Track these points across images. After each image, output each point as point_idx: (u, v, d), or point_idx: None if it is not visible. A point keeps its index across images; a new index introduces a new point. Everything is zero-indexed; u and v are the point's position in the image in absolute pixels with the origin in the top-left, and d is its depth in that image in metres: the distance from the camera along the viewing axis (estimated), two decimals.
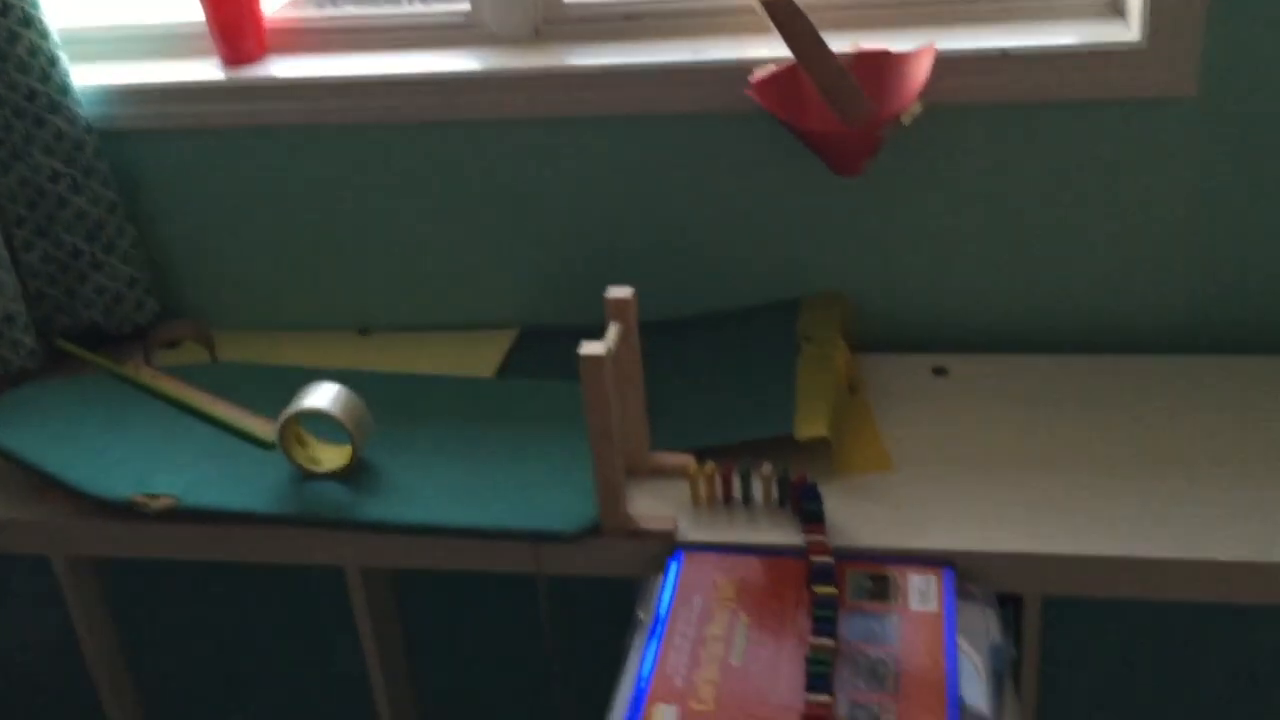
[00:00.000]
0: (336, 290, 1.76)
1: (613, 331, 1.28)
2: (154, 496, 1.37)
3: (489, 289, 1.72)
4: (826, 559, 1.21)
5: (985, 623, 1.17)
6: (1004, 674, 1.15)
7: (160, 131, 1.67)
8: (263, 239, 1.74)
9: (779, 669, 1.12)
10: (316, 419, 1.40)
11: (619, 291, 1.31)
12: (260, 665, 1.52)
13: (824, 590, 1.18)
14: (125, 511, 1.37)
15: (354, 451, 1.40)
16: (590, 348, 1.21)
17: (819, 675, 1.08)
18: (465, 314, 1.74)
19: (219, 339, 1.73)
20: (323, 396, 1.39)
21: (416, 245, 1.70)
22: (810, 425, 1.36)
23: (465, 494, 1.36)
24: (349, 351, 1.71)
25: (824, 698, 1.06)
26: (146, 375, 1.61)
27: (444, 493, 1.37)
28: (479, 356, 1.66)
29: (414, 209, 1.68)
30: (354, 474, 1.40)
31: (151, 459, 1.45)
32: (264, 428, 1.49)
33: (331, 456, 1.42)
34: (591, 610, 1.38)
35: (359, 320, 1.78)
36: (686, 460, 1.37)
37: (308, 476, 1.40)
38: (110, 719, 1.59)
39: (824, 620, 1.14)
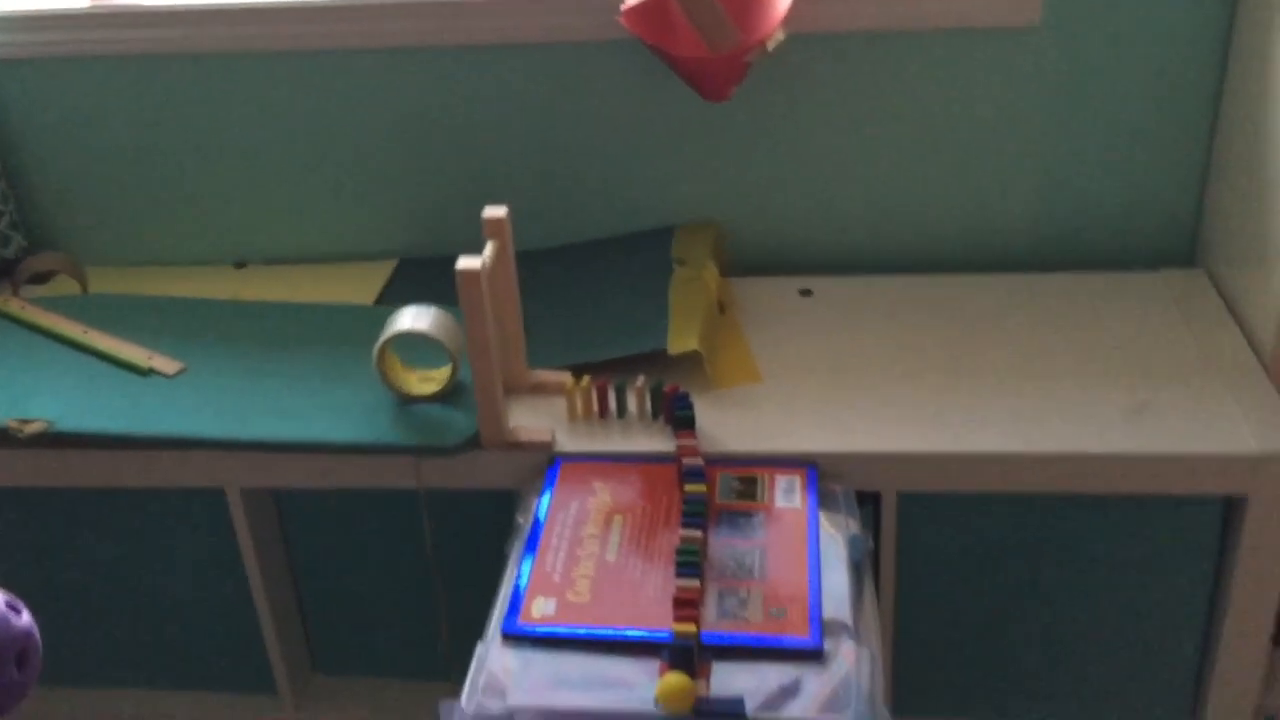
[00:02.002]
0: (211, 224, 1.75)
1: (489, 248, 1.31)
2: (26, 421, 1.36)
3: (366, 221, 1.73)
4: (697, 461, 1.27)
5: (845, 517, 1.24)
6: (863, 564, 1.22)
7: (24, 61, 1.64)
8: (133, 172, 1.72)
9: (652, 564, 1.17)
10: (406, 343, 1.38)
11: (494, 211, 1.34)
12: (142, 590, 1.52)
13: (694, 489, 1.23)
14: None
15: (453, 372, 1.38)
16: (467, 262, 1.25)
17: (688, 564, 1.14)
18: (342, 246, 1.74)
19: (91, 276, 1.70)
20: (420, 318, 1.36)
21: (291, 177, 1.70)
22: (682, 340, 1.42)
23: (346, 412, 1.38)
24: (225, 285, 1.70)
25: (693, 583, 1.12)
26: (15, 306, 1.59)
27: (324, 412, 1.38)
28: (357, 287, 1.67)
29: (287, 140, 1.68)
30: (451, 396, 1.40)
31: (22, 386, 1.43)
32: (139, 355, 1.48)
33: (427, 380, 1.41)
34: (473, 523, 1.42)
35: (234, 255, 1.77)
36: (563, 377, 1.42)
37: (406, 402, 1.39)
38: None
39: (694, 515, 1.20)
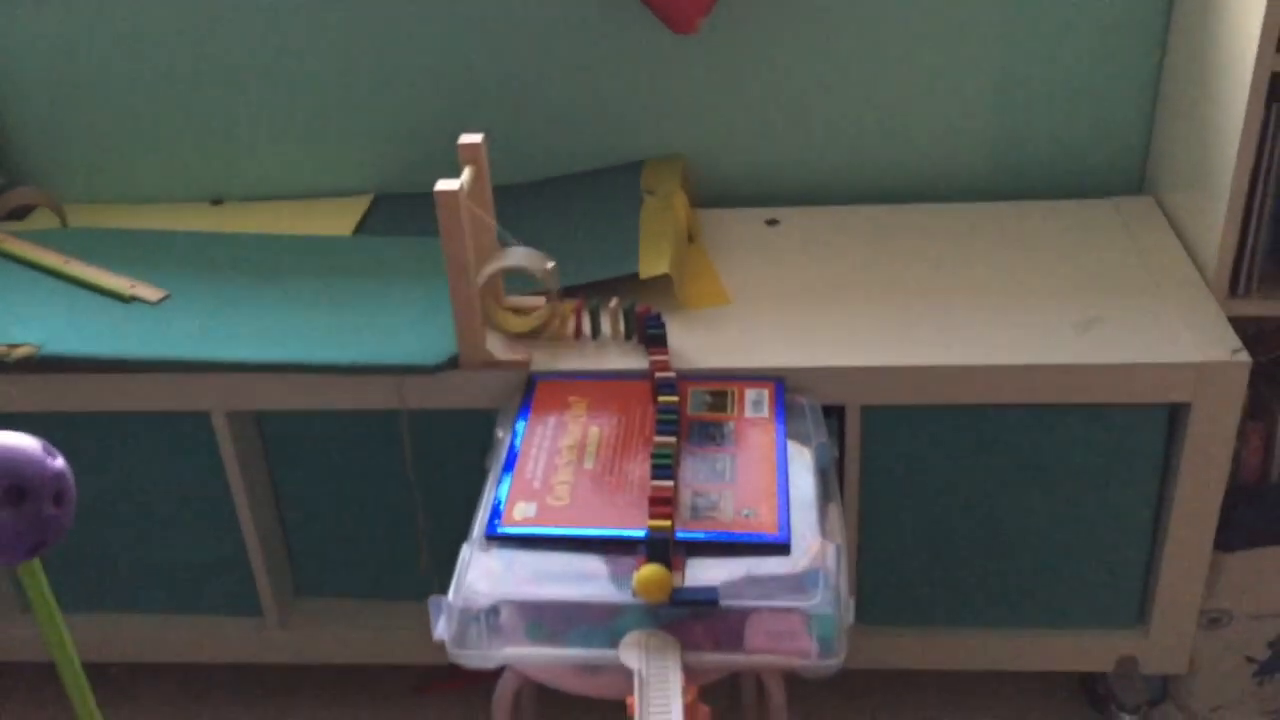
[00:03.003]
0: (187, 161, 1.77)
1: (466, 173, 1.35)
2: (13, 346, 1.39)
3: (342, 156, 1.76)
4: (669, 374, 1.32)
5: (811, 427, 1.30)
6: (829, 470, 1.28)
7: None
8: (109, 109, 1.74)
9: (628, 472, 1.23)
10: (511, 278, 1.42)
11: (470, 137, 1.38)
12: (128, 515, 1.56)
13: (667, 399, 1.29)
14: None
15: (550, 309, 1.42)
16: (446, 184, 1.29)
17: (663, 466, 1.19)
18: (318, 182, 1.78)
19: (69, 213, 1.73)
20: (520, 255, 1.39)
21: (266, 113, 1.73)
22: (653, 264, 1.47)
23: (328, 335, 1.42)
24: (202, 222, 1.73)
25: (667, 483, 1.17)
26: None
27: (307, 335, 1.42)
28: (334, 221, 1.71)
29: (263, 76, 1.70)
30: (542, 334, 1.43)
31: (7, 314, 1.46)
32: (122, 284, 1.51)
33: (524, 317, 1.45)
34: (453, 444, 1.46)
35: (211, 192, 1.80)
36: (538, 301, 1.46)
37: (507, 334, 1.43)
38: None
39: (668, 423, 1.25)
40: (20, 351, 1.38)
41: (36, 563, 0.57)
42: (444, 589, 1.14)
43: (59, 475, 0.55)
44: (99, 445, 1.50)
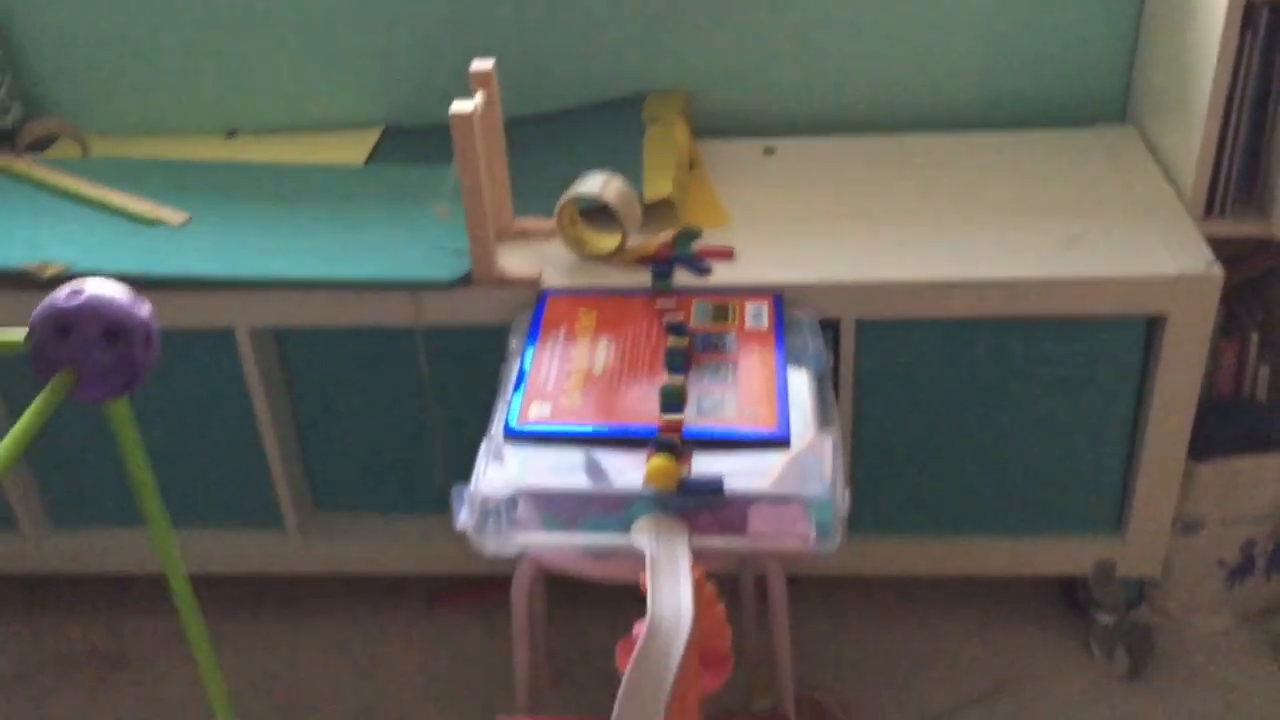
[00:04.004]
0: (200, 93, 1.83)
1: (479, 96, 1.41)
2: (45, 264, 1.45)
3: (352, 88, 1.82)
4: (677, 317, 1.38)
5: (808, 338, 1.38)
6: (825, 378, 1.35)
7: None
8: (126, 42, 1.79)
9: (637, 374, 1.30)
10: (588, 204, 1.47)
11: (481, 64, 1.44)
12: (153, 430, 1.62)
13: (674, 320, 1.36)
14: (17, 280, 1.45)
15: (623, 238, 1.47)
16: (460, 107, 1.35)
17: (672, 403, 1.26)
18: (329, 114, 1.84)
19: (88, 144, 1.78)
20: (596, 183, 1.45)
21: (278, 45, 1.79)
22: (656, 186, 1.53)
23: (346, 254, 1.49)
24: (218, 153, 1.79)
25: (678, 416, 1.24)
26: (22, 166, 1.67)
27: (326, 254, 1.49)
28: (346, 152, 1.77)
29: (274, 7, 1.76)
30: (621, 258, 1.48)
31: (37, 236, 1.52)
32: (145, 208, 1.57)
33: (602, 240, 1.50)
34: (467, 360, 1.53)
35: (224, 124, 1.86)
36: (547, 223, 1.53)
37: (583, 257, 1.49)
38: None
39: (677, 363, 1.31)
40: (51, 270, 1.44)
41: (125, 401, 0.63)
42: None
43: (147, 321, 0.61)
44: None
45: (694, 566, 1.12)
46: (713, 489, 1.16)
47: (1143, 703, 1.57)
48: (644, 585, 1.11)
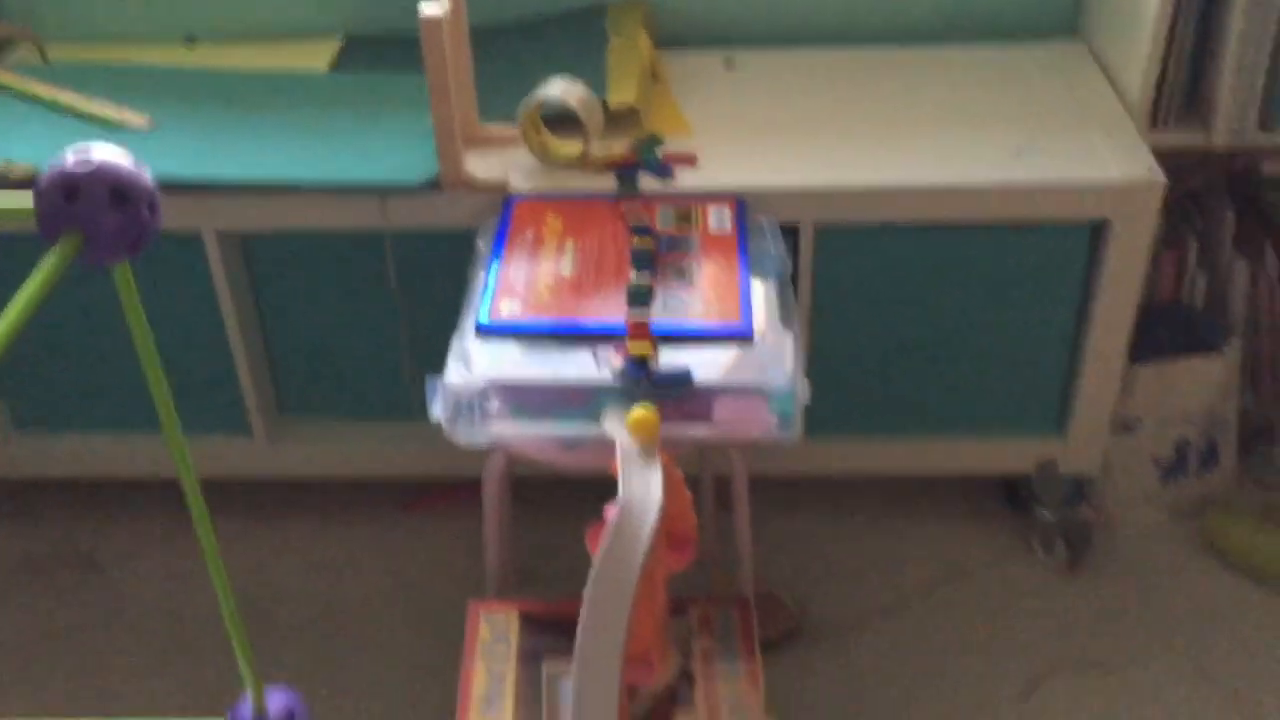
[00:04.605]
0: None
1: (446, 1, 1.43)
2: (12, 164, 1.45)
3: None
4: (642, 220, 1.42)
5: (769, 240, 1.42)
6: (785, 280, 1.40)
7: None
8: None
9: (604, 274, 1.34)
10: (552, 110, 1.47)
11: None
12: (120, 335, 1.63)
13: (642, 242, 1.39)
14: None
15: (586, 142, 1.48)
16: (429, 10, 1.36)
17: (640, 301, 1.30)
18: (288, 21, 1.83)
19: (47, 49, 1.77)
20: (558, 88, 1.46)
21: None
22: (621, 94, 1.56)
23: (312, 157, 1.50)
24: (178, 59, 1.78)
25: (644, 314, 1.27)
26: None
27: (293, 157, 1.50)
28: (308, 60, 1.77)
29: None
30: (584, 164, 1.49)
31: (2, 136, 1.52)
32: (109, 110, 1.57)
33: (565, 146, 1.51)
34: (434, 265, 1.56)
35: (182, 31, 1.84)
36: (512, 130, 1.55)
37: (548, 164, 1.50)
38: None
39: (643, 262, 1.35)
40: (19, 169, 1.44)
41: (128, 265, 0.66)
42: (426, 408, 1.24)
43: (151, 187, 0.64)
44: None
45: (661, 451, 1.17)
46: (680, 380, 1.21)
47: (1080, 594, 1.66)
48: (614, 471, 1.15)
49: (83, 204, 0.62)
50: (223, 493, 1.83)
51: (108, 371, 1.67)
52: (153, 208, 0.63)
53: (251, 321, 1.64)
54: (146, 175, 0.64)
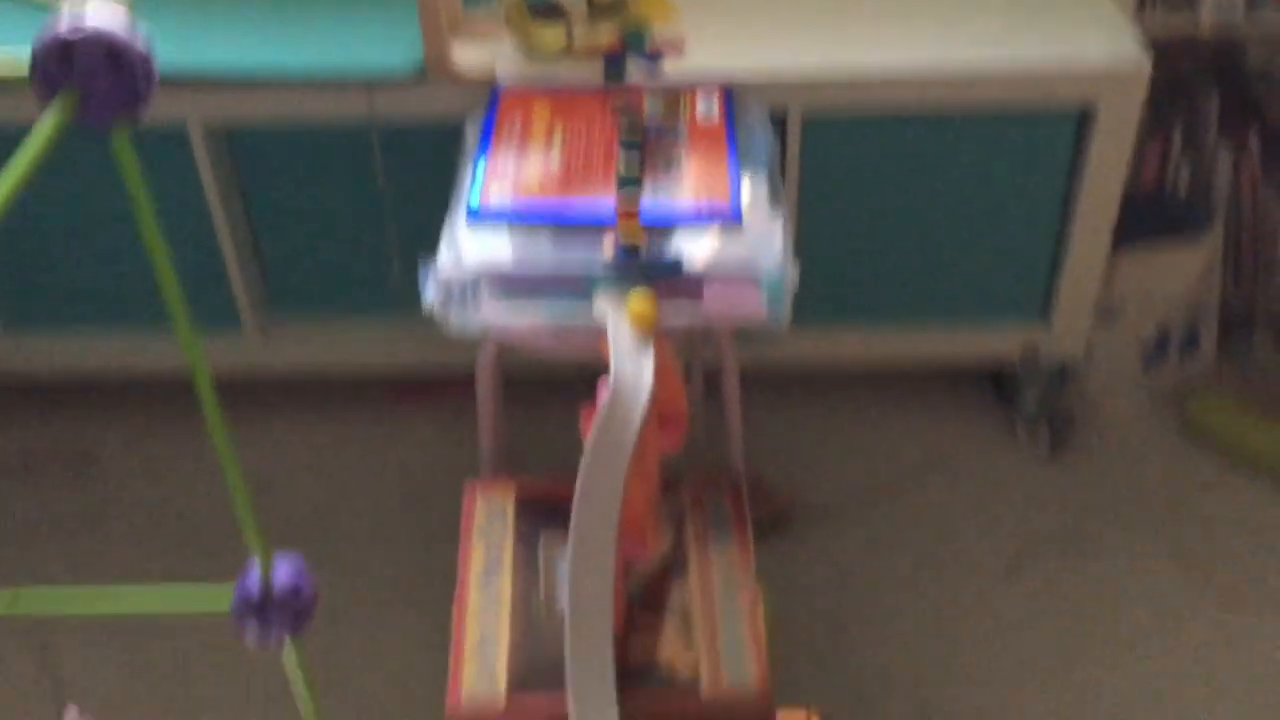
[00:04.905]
0: None
1: None
2: None
3: None
4: (631, 101, 1.42)
5: (757, 128, 1.42)
6: (774, 167, 1.40)
7: None
8: None
9: (594, 166, 1.34)
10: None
11: None
12: (110, 232, 1.64)
13: (626, 109, 1.39)
14: None
15: (568, 28, 1.46)
16: None
17: (630, 184, 1.29)
18: None
19: None
20: None
21: None
22: None
23: (301, 46, 1.49)
24: None
25: (635, 197, 1.28)
26: None
27: (281, 45, 1.49)
28: None
29: None
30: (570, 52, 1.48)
31: None
32: None
33: (550, 34, 1.49)
34: (422, 159, 1.55)
35: None
36: (498, 20, 1.54)
37: (533, 55, 1.48)
38: None
39: (632, 145, 1.34)
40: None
41: (127, 136, 0.66)
42: (417, 303, 1.25)
43: (146, 52, 0.64)
44: (81, 161, 1.56)
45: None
46: (670, 265, 1.22)
47: (1062, 479, 1.69)
48: (606, 355, 1.17)
49: (78, 65, 0.63)
50: (215, 390, 1.85)
51: (98, 269, 1.67)
52: (149, 76, 0.64)
53: (240, 218, 1.64)
54: (141, 38, 0.63)
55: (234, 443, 1.85)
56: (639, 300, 1.17)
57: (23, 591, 0.87)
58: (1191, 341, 1.75)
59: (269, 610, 0.92)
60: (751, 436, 1.74)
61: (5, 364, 1.76)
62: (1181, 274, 1.68)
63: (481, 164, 1.34)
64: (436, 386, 1.83)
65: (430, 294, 1.23)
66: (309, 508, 1.69)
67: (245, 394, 1.84)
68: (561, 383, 1.45)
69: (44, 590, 0.88)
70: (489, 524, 1.28)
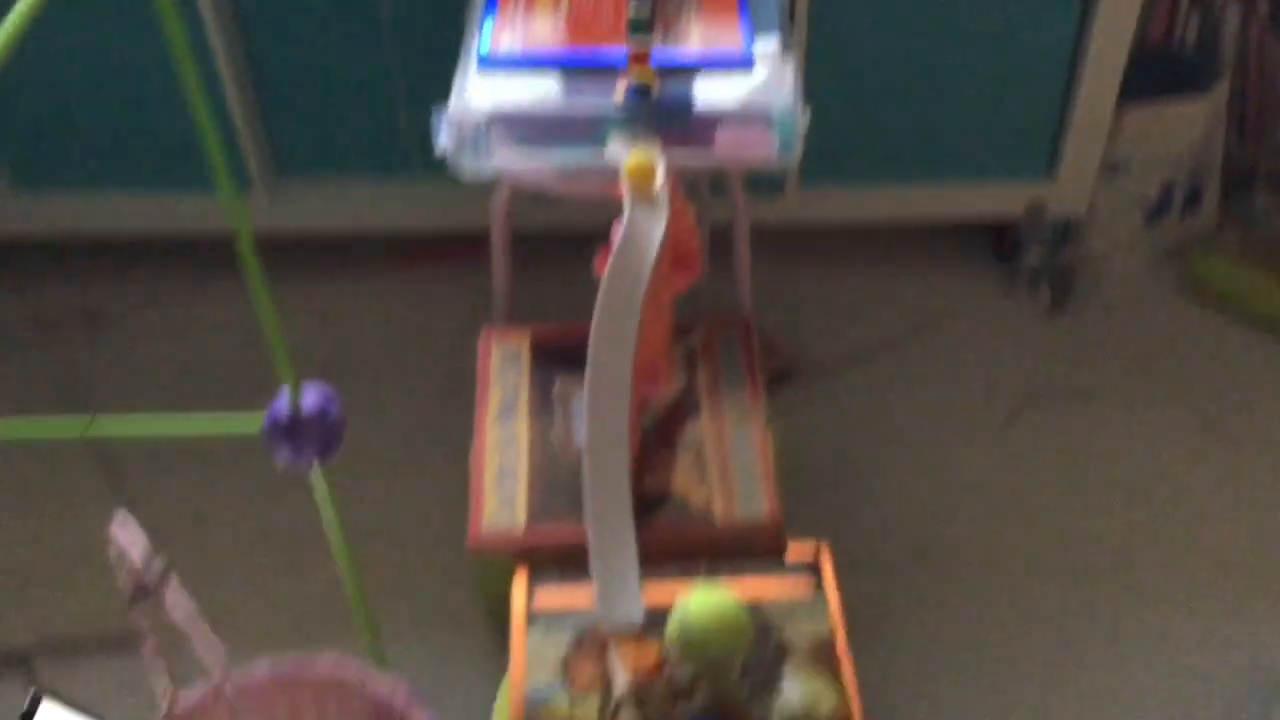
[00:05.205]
0: None
1: None
2: None
3: None
4: None
5: None
6: (784, 10, 1.39)
7: None
8: None
9: (604, 10, 1.32)
10: None
11: None
12: (114, 89, 1.63)
13: None
14: None
15: None
16: None
17: (640, 26, 1.29)
18: None
19: None
20: None
21: None
22: None
23: None
24: None
25: (646, 40, 1.27)
26: None
27: None
28: None
29: None
30: None
31: None
32: None
33: None
34: (428, 14, 1.54)
35: None
36: None
37: None
38: None
39: None
40: None
41: None
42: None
43: None
44: (94, 13, 1.55)
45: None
46: (682, 107, 1.22)
47: (1063, 333, 1.72)
48: (620, 196, 1.18)
49: None
50: (224, 252, 1.85)
51: (110, 127, 1.67)
52: None
53: (245, 75, 1.63)
54: None
55: (245, 303, 1.87)
56: (638, 154, 1.18)
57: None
58: (1194, 197, 1.76)
59: (299, 433, 0.95)
60: (756, 293, 1.77)
61: (16, 224, 1.76)
62: (1187, 129, 1.69)
63: (490, 14, 1.33)
64: (447, 247, 1.84)
65: (442, 140, 1.23)
66: (320, 364, 1.71)
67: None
68: (569, 240, 1.46)
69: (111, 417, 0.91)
70: (504, 367, 1.31)
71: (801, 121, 1.24)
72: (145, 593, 0.82)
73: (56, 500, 1.54)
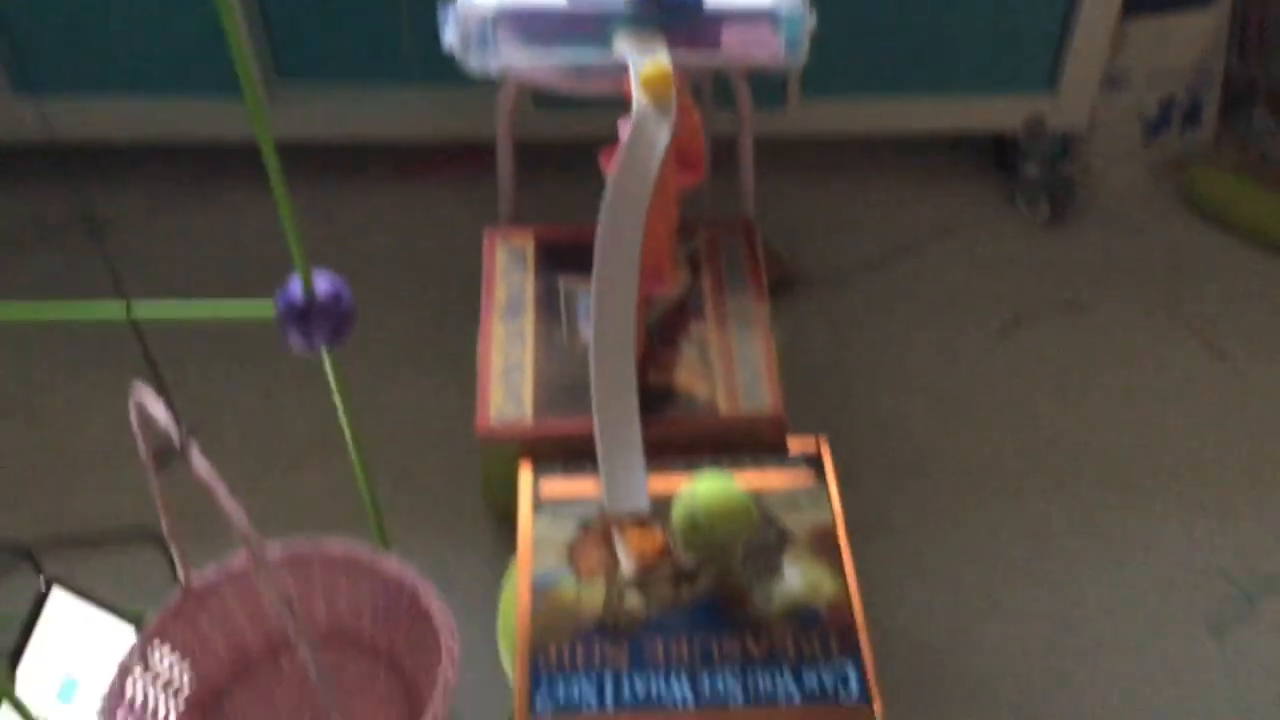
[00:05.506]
0: None
1: None
2: None
3: None
4: None
5: None
6: None
7: None
8: None
9: None
10: None
11: None
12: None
13: None
14: None
15: None
16: None
17: None
18: None
19: None
20: None
21: None
22: None
23: None
24: None
25: None
26: None
27: None
28: None
29: None
30: None
31: None
32: None
33: None
34: None
35: None
36: None
37: None
38: None
39: None
40: None
41: None
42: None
43: None
44: None
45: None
46: (690, 6, 1.22)
47: (1061, 246, 1.74)
48: (627, 94, 1.19)
49: None
50: (224, 158, 1.86)
51: (113, 30, 1.66)
52: None
53: None
54: None
55: (246, 211, 1.88)
56: (654, 66, 1.18)
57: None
58: (1194, 112, 1.77)
59: (311, 317, 0.97)
60: (757, 204, 1.77)
61: (17, 128, 1.75)
62: (1188, 43, 1.69)
63: None
64: (450, 156, 1.84)
65: (449, 36, 1.23)
66: (325, 264, 1.72)
67: (254, 162, 1.84)
68: (572, 148, 1.47)
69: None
70: (510, 266, 1.32)
71: (809, 22, 1.25)
72: (171, 456, 0.83)
73: (64, 394, 1.55)
